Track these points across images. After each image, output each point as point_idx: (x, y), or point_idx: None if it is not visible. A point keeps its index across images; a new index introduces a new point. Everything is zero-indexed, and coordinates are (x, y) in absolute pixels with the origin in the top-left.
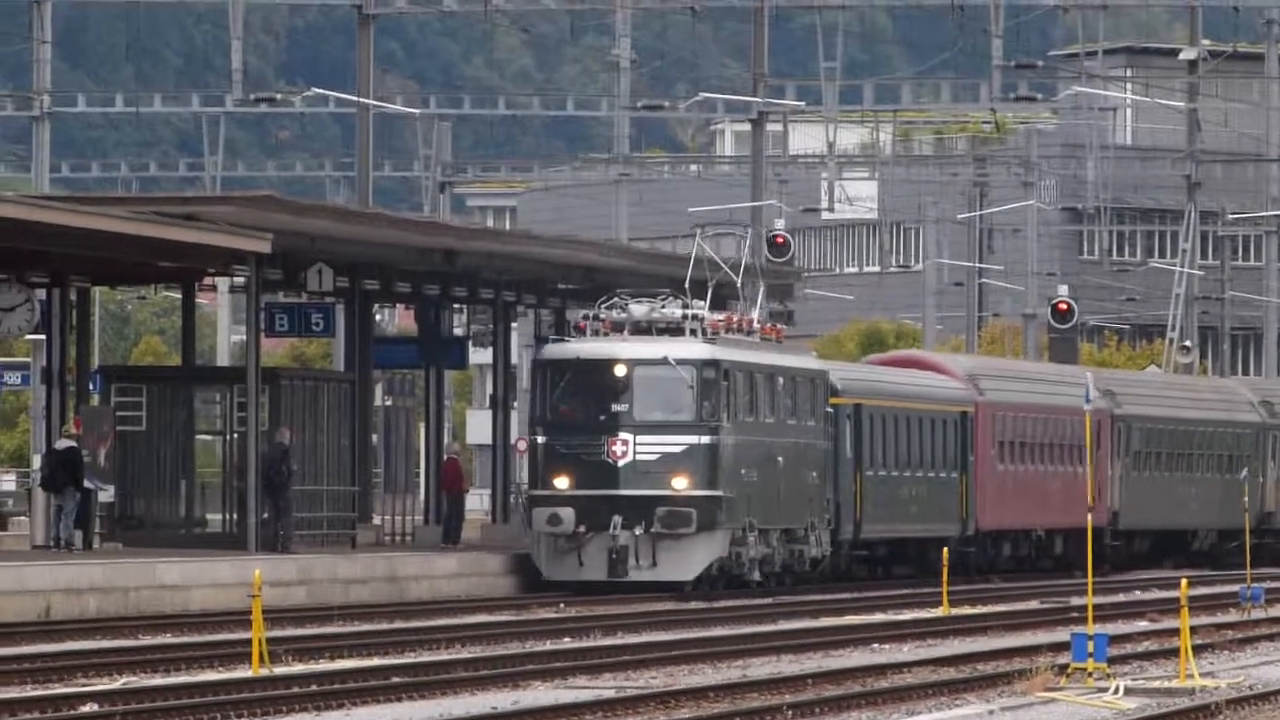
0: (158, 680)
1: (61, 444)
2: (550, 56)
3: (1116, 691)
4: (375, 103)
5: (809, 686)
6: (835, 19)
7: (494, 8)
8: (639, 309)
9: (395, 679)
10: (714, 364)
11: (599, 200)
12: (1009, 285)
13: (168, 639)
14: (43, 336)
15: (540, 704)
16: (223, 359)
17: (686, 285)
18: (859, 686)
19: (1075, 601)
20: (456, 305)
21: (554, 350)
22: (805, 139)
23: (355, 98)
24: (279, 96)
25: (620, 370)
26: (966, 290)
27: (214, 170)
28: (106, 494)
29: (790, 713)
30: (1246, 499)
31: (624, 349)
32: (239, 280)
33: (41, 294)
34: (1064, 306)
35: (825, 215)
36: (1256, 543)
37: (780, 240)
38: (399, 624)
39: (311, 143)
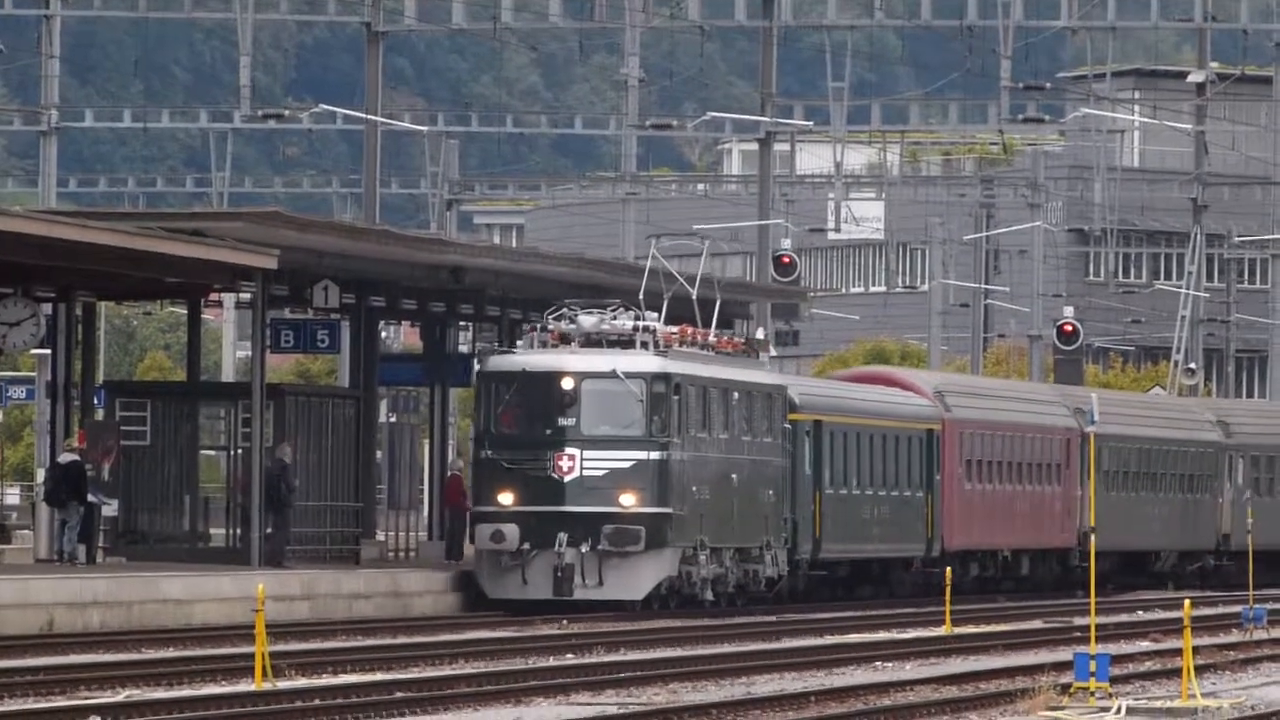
0: (161, 694)
1: (65, 458)
2: (559, 75)
3: (1119, 711)
4: (383, 119)
5: (812, 704)
6: (844, 39)
7: (503, 26)
8: (588, 320)
9: (398, 694)
10: (665, 377)
11: (606, 219)
12: (1015, 306)
13: (171, 653)
14: (48, 351)
15: None
16: (228, 375)
17: (640, 297)
18: (862, 704)
19: (1078, 621)
20: (462, 322)
21: (499, 362)
22: (813, 159)
23: (363, 114)
24: (287, 113)
25: (567, 383)
26: (972, 311)
27: (221, 186)
28: (110, 508)
29: None
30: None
31: (571, 361)
32: (245, 296)
33: (47, 308)
34: (1069, 328)
35: (832, 235)
36: (1215, 564)
37: (786, 260)
38: (402, 639)
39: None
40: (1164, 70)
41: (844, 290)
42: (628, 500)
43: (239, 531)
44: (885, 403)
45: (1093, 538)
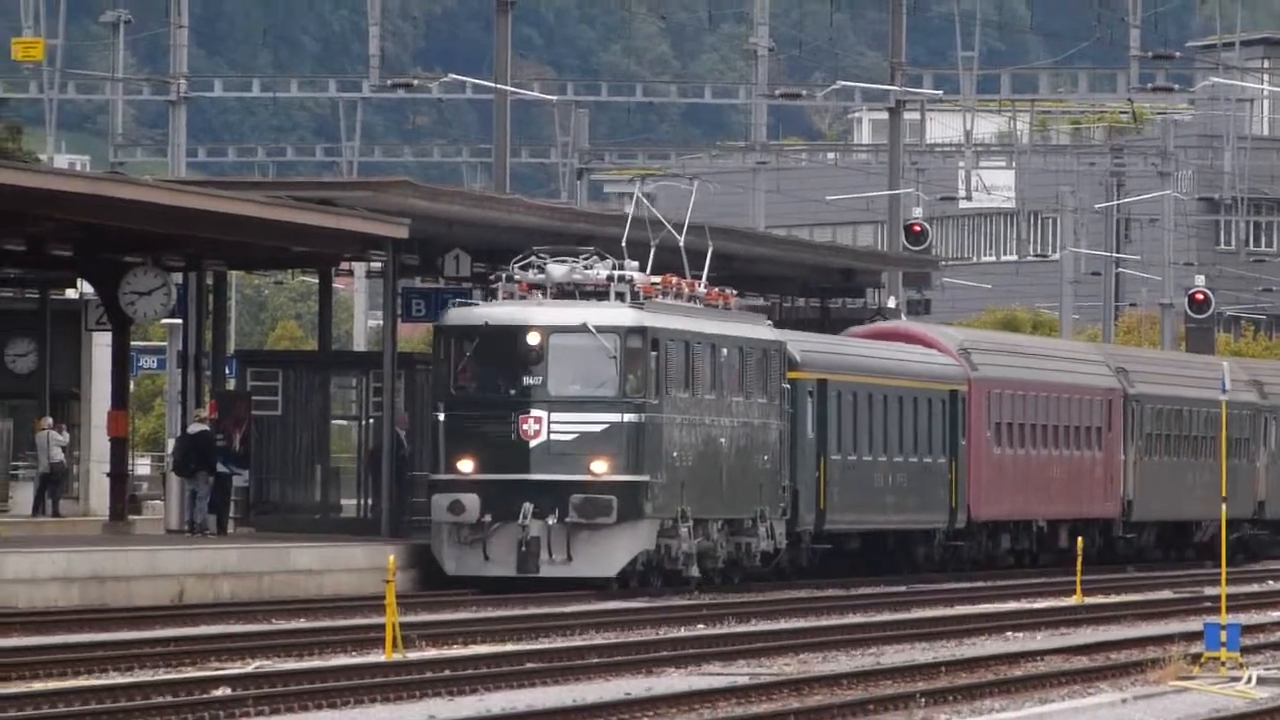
0: (290, 665)
1: (194, 428)
2: (688, 44)
3: (1249, 681)
4: (513, 89)
5: (942, 674)
6: (973, 8)
7: None
8: (558, 269)
9: (529, 664)
10: (641, 331)
11: (736, 188)
12: (1146, 275)
13: (301, 624)
14: (179, 320)
15: (674, 690)
16: (359, 344)
17: (623, 245)
18: (991, 675)
19: (1208, 591)
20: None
21: (458, 315)
22: (942, 128)
23: (493, 84)
24: (416, 82)
25: (533, 338)
26: (1103, 280)
27: (351, 156)
28: (241, 479)
29: (923, 700)
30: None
31: (538, 314)
32: (376, 265)
33: (178, 278)
34: (1201, 296)
35: (963, 204)
36: (1252, 534)
37: (917, 229)
38: (533, 610)
39: (449, 129)
40: None
41: (975, 259)
42: (599, 467)
43: (370, 502)
44: (902, 360)
45: (1223, 507)
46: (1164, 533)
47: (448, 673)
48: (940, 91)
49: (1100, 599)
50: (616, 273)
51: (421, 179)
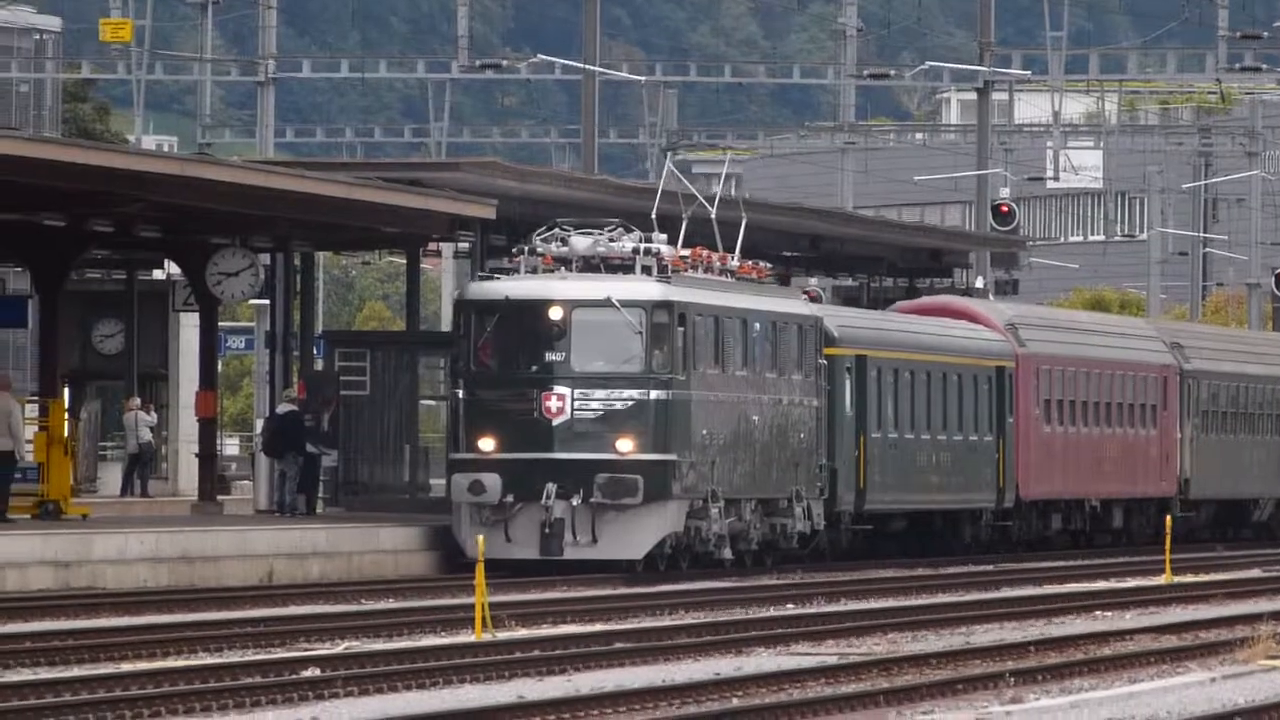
0: (380, 645)
1: (283, 409)
2: (777, 24)
3: None
4: (601, 69)
5: (1031, 653)
6: None
7: None
8: (582, 242)
9: (618, 644)
10: (667, 306)
11: (824, 168)
12: (1233, 255)
13: (390, 604)
14: (266, 301)
15: (763, 670)
16: (447, 324)
17: (653, 216)
18: (1081, 653)
19: None
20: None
21: (479, 290)
22: (1030, 108)
23: (581, 64)
24: (505, 63)
25: (556, 313)
26: (1191, 259)
27: (439, 136)
28: (330, 459)
29: (1012, 679)
30: None
31: (561, 288)
32: (464, 246)
33: (266, 259)
34: None
35: (1050, 184)
36: None
37: (1005, 209)
38: (621, 590)
39: (537, 109)
40: None
41: (1063, 239)
42: (624, 446)
43: None
44: (946, 336)
45: None
46: (1220, 512)
47: (537, 653)
48: (1028, 72)
49: (1189, 578)
50: (643, 245)
51: (509, 160)
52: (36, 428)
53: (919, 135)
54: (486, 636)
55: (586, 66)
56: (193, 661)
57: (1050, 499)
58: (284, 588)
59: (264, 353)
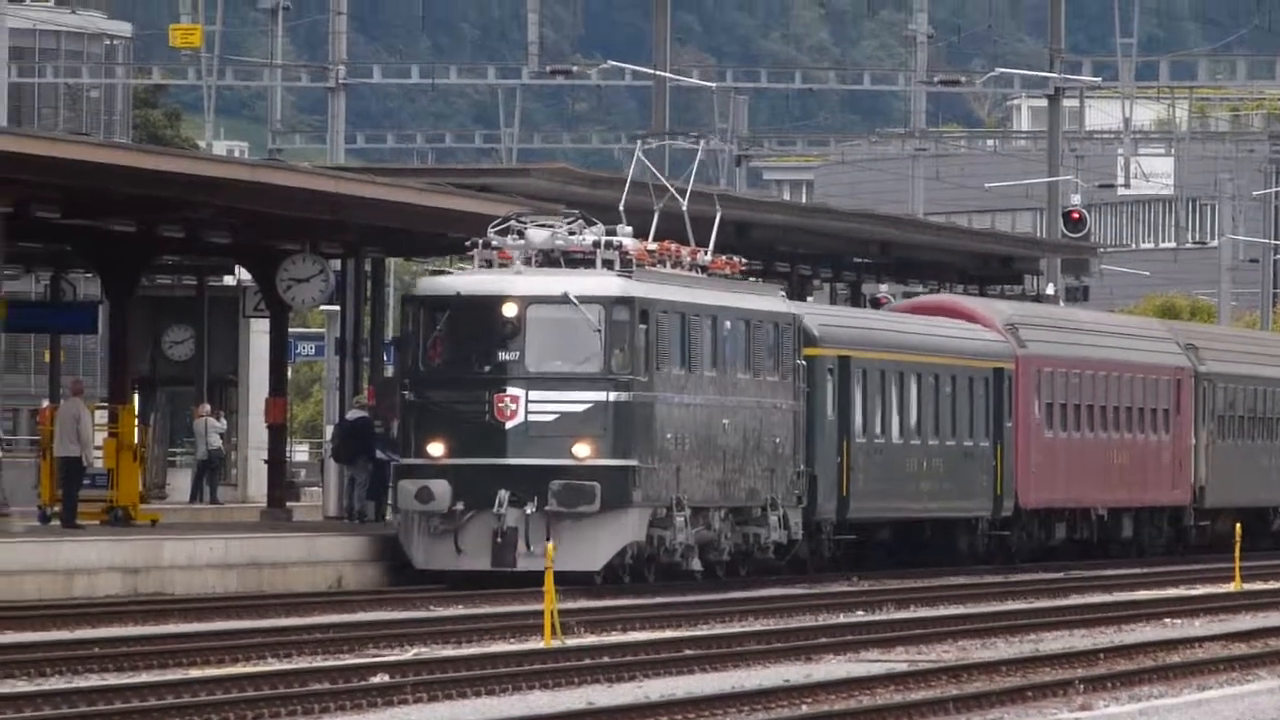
0: (449, 651)
1: (353, 415)
2: (847, 30)
3: None
4: (672, 75)
5: (1100, 661)
6: None
7: None
8: (539, 235)
9: (688, 651)
10: (628, 302)
11: (895, 175)
12: None
13: (459, 610)
14: (337, 307)
15: (832, 677)
16: None
17: (621, 209)
18: (1150, 661)
19: None
20: (751, 278)
21: (429, 285)
22: (1101, 115)
23: (652, 70)
24: (575, 69)
25: (510, 309)
26: (1262, 266)
27: (510, 142)
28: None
29: (1082, 687)
30: None
31: (516, 284)
32: None
33: (336, 264)
34: None
35: (1121, 191)
36: None
37: (1076, 216)
38: (690, 597)
39: (607, 115)
40: None
41: (1134, 246)
42: (581, 451)
43: None
44: (938, 336)
45: None
46: (1237, 521)
47: (606, 659)
48: (1099, 78)
49: (1259, 585)
50: (604, 238)
51: (580, 166)
52: (106, 434)
53: (990, 142)
54: (555, 643)
55: (657, 72)
56: (261, 668)
57: (1053, 507)
58: (353, 594)
59: (334, 359)
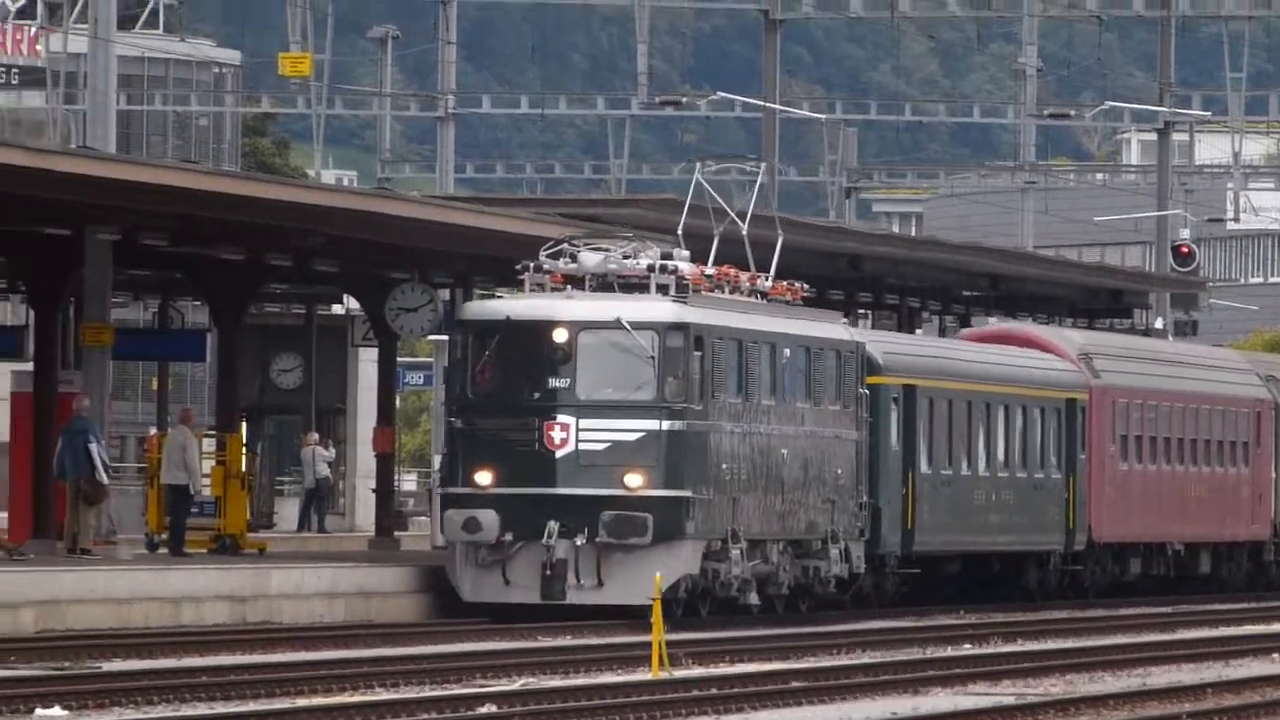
0: (556, 682)
1: None
2: (957, 63)
3: None
4: (781, 107)
5: (1208, 696)
6: (1242, 29)
7: (900, 14)
8: (592, 258)
9: (794, 683)
10: (682, 328)
11: (1004, 208)
12: None
13: (567, 641)
14: (445, 337)
15: (939, 710)
16: None
17: (679, 232)
18: (1258, 696)
19: None
20: (861, 310)
21: (478, 309)
22: (1211, 149)
23: (761, 102)
24: (685, 100)
25: (560, 335)
26: None
27: (619, 173)
28: None
29: None
30: None
31: (567, 308)
32: None
33: (445, 294)
34: None
35: (1231, 225)
36: None
37: (1185, 250)
38: (797, 629)
39: (716, 146)
40: None
41: (1243, 280)
42: (633, 480)
43: None
44: (1009, 365)
45: None
46: None
47: (713, 691)
48: (1209, 112)
49: None
50: (659, 262)
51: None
52: (214, 462)
53: (1099, 175)
54: (663, 674)
55: (767, 104)
56: (369, 697)
57: (1127, 541)
58: (461, 622)
59: (442, 389)
